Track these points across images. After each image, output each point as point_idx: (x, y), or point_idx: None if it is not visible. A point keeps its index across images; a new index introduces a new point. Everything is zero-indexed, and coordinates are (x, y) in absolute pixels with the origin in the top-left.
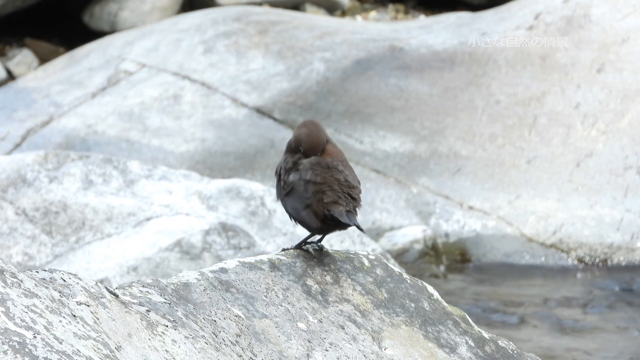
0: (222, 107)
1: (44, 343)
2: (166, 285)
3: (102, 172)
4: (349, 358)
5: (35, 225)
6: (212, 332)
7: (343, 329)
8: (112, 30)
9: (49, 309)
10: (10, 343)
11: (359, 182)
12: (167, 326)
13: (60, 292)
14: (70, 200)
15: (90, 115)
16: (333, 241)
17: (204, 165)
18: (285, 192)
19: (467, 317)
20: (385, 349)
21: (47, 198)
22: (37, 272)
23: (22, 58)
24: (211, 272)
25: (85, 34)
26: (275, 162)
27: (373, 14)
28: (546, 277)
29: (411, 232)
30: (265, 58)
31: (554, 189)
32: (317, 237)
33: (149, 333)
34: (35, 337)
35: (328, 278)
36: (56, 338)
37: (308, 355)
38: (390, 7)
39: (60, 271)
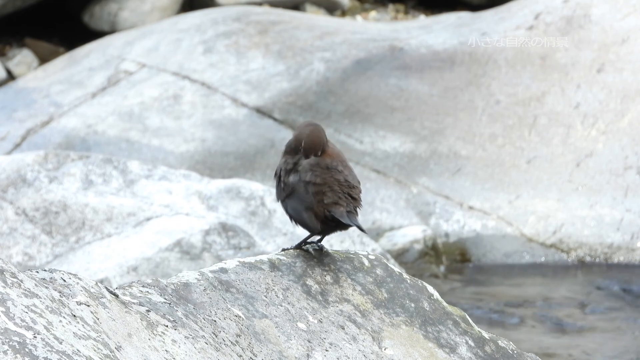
0: (222, 107)
1: (44, 343)
2: (166, 285)
3: (102, 172)
4: (349, 358)
5: (35, 225)
6: (212, 332)
7: (343, 329)
8: (112, 30)
9: (49, 309)
10: (10, 343)
11: (358, 182)
12: (167, 326)
13: (60, 292)
14: (70, 200)
15: (90, 115)
16: (333, 241)
17: (204, 165)
18: (285, 194)
19: (467, 317)
20: (385, 349)
21: (47, 198)
22: (37, 272)
23: (22, 58)
24: (211, 272)
25: (85, 34)
26: (275, 162)
27: (373, 14)
28: (546, 277)
29: (411, 232)
30: (265, 58)
31: (554, 189)
32: (317, 237)
33: (149, 333)
34: (35, 337)
35: (328, 278)
36: (56, 338)
37: (308, 355)
38: (390, 7)
39: (60, 271)
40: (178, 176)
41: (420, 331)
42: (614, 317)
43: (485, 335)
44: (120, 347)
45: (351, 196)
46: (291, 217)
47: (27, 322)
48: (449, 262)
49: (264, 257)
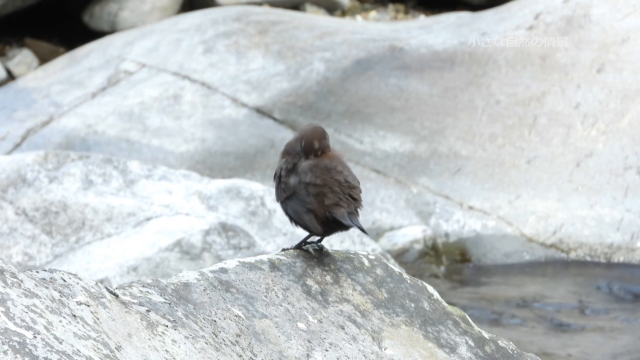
0: (222, 107)
1: (44, 343)
2: (166, 285)
3: (102, 172)
4: (348, 358)
5: (35, 225)
6: (212, 332)
7: (343, 329)
8: (112, 30)
9: (49, 309)
10: (10, 343)
11: (358, 182)
12: (167, 326)
13: (60, 292)
14: (70, 200)
15: (90, 115)
16: (333, 241)
17: (204, 165)
18: (285, 195)
19: (467, 317)
20: (385, 349)
21: (47, 198)
22: (37, 272)
23: (22, 58)
24: (211, 272)
25: (85, 34)
26: (275, 162)
27: (373, 14)
28: (546, 277)
29: (411, 232)
30: (265, 58)
31: (554, 189)
32: (317, 237)
33: (149, 333)
34: (35, 337)
35: (328, 278)
36: (56, 338)
37: (308, 355)
38: (390, 7)
39: (60, 271)
40: (178, 176)
41: (420, 331)
42: (614, 317)
43: (485, 335)
44: (121, 347)
45: (352, 197)
46: (291, 219)
47: (27, 322)
48: (449, 262)
49: (264, 257)
